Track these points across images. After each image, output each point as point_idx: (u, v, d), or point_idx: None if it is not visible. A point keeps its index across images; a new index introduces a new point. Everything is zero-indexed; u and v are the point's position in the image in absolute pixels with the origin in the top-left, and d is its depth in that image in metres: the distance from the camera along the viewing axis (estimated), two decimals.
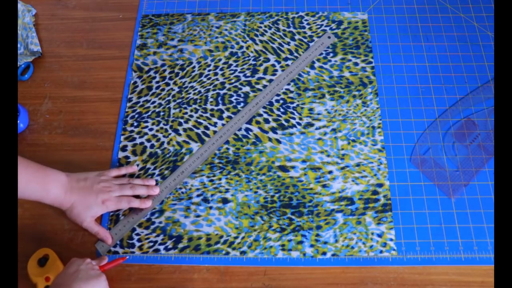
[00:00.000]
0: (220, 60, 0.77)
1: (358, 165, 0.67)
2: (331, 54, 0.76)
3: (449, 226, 0.62)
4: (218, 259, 0.61)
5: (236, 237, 0.62)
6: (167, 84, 0.75)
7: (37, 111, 0.73)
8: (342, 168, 0.66)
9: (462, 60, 0.75)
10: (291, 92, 0.73)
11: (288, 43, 0.78)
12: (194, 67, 0.76)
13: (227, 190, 0.65)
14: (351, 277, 0.59)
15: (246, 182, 0.66)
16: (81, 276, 0.54)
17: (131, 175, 0.67)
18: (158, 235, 0.63)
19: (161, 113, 0.72)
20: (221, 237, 0.62)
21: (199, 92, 0.74)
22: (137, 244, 0.62)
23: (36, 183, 0.57)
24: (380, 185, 0.65)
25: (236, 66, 0.76)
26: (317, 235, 0.62)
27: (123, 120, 0.72)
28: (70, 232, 0.63)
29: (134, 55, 0.78)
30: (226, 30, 0.80)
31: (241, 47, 0.78)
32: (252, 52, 0.77)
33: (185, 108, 0.72)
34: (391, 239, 0.61)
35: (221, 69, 0.76)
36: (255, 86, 0.74)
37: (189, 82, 0.75)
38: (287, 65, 0.76)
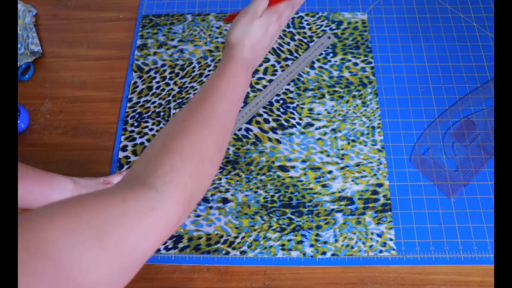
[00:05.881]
0: (220, 60, 0.77)
1: (358, 165, 0.67)
2: (331, 54, 0.77)
3: (449, 226, 0.62)
4: (218, 258, 0.61)
5: (236, 237, 0.62)
6: (167, 84, 0.75)
7: (38, 111, 0.73)
8: (342, 168, 0.67)
9: (462, 61, 0.75)
10: (291, 92, 0.73)
11: (288, 43, 0.78)
12: (194, 67, 0.76)
13: (227, 190, 0.66)
14: (351, 277, 0.59)
15: (246, 182, 0.66)
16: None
17: None
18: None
19: (162, 113, 0.72)
20: (221, 237, 0.62)
21: None
22: None
23: (39, 193, 0.54)
24: (380, 185, 0.65)
25: None
26: (317, 235, 0.62)
27: (123, 120, 0.72)
28: None
29: (134, 55, 0.78)
30: (226, 30, 0.80)
31: None
32: None
33: None
34: (390, 239, 0.61)
35: None
36: (255, 86, 0.74)
37: (189, 82, 0.75)
38: (287, 65, 0.76)
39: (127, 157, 0.69)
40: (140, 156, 0.40)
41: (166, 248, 0.62)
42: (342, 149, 0.68)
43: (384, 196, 0.64)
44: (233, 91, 0.46)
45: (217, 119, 0.43)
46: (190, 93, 0.74)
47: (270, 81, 0.74)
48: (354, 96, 0.72)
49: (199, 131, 0.41)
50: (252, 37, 0.50)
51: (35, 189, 0.54)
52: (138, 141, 0.70)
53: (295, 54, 0.77)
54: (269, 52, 0.77)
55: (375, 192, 0.65)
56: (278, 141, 0.69)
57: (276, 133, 0.70)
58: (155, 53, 0.78)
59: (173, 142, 0.39)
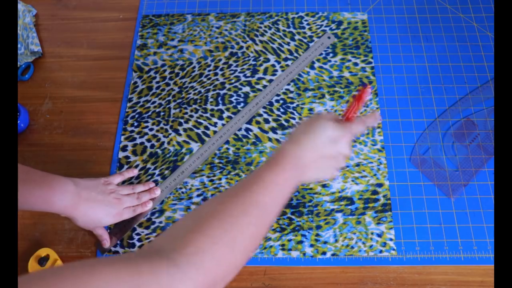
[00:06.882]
0: (220, 60, 0.77)
1: (358, 165, 0.67)
2: (331, 54, 0.77)
3: (449, 226, 0.62)
4: None
5: None
6: (167, 84, 0.75)
7: (38, 111, 0.73)
8: (342, 168, 0.67)
9: (462, 60, 0.75)
10: (291, 92, 0.73)
11: (288, 43, 0.78)
12: (194, 67, 0.76)
13: None
14: (351, 277, 0.59)
15: None
16: None
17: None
18: (158, 235, 0.63)
19: (161, 113, 0.72)
20: None
21: (199, 92, 0.74)
22: (138, 244, 0.62)
23: (39, 195, 0.53)
24: (380, 185, 0.65)
25: (236, 66, 0.76)
26: (317, 235, 0.62)
27: (123, 120, 0.72)
28: (71, 232, 0.63)
29: (134, 55, 0.78)
30: (226, 30, 0.80)
31: (241, 47, 0.78)
32: (252, 52, 0.77)
33: (185, 108, 0.72)
34: (390, 239, 0.61)
35: (221, 69, 0.76)
36: (255, 86, 0.74)
37: (189, 82, 0.75)
38: (287, 65, 0.76)
39: (127, 157, 0.69)
40: (168, 228, 0.38)
41: None
42: None
43: (384, 196, 0.64)
44: (279, 185, 0.43)
45: (258, 209, 0.40)
46: (190, 93, 0.74)
47: (270, 81, 0.74)
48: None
49: (236, 218, 0.39)
50: (323, 154, 0.47)
51: (36, 191, 0.53)
52: (138, 141, 0.70)
53: (295, 54, 0.77)
54: (269, 52, 0.77)
55: (375, 192, 0.65)
56: (278, 141, 0.69)
57: (276, 133, 0.70)
58: (155, 53, 0.78)
59: (206, 224, 0.37)
